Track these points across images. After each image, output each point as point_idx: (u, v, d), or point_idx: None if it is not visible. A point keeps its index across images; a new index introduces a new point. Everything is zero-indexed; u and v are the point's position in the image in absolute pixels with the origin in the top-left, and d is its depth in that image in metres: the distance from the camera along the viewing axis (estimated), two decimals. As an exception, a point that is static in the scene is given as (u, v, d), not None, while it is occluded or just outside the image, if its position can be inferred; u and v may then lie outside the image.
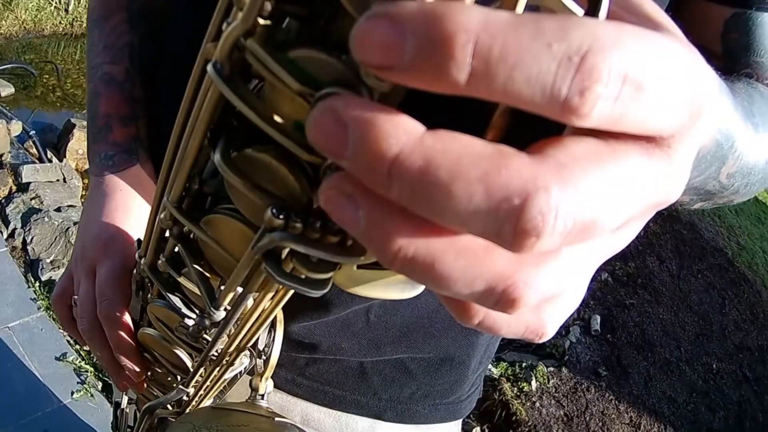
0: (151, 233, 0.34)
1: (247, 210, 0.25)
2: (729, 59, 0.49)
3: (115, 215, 0.54)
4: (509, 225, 0.15)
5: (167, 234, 0.31)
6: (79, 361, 1.87)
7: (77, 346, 1.91)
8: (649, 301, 3.25)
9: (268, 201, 0.22)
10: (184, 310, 0.36)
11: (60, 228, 2.16)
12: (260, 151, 0.22)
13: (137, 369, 0.47)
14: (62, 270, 2.09)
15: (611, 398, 2.69)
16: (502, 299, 0.17)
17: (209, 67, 0.20)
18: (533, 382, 2.49)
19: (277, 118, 0.20)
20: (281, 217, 0.21)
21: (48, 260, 2.09)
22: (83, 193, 2.55)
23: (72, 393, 1.81)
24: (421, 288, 0.28)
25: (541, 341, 0.20)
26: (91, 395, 1.82)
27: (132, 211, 0.55)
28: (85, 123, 2.68)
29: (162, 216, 0.30)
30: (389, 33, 0.14)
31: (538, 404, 2.49)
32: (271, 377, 0.60)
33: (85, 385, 1.83)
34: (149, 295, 0.40)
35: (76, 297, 0.52)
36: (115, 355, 0.47)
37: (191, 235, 0.31)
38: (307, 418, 0.64)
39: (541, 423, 2.44)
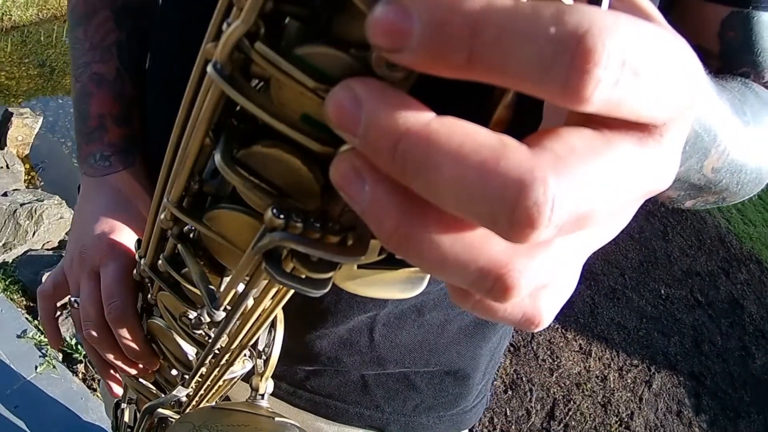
0: (151, 233, 0.33)
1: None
2: (726, 59, 0.49)
3: (115, 216, 0.53)
4: (505, 214, 0.15)
5: (168, 234, 0.31)
6: (39, 336, 1.92)
7: (36, 322, 1.97)
8: (587, 231, 3.30)
9: (268, 201, 0.22)
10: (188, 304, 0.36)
11: (8, 211, 2.20)
12: (270, 146, 0.22)
13: (146, 370, 0.47)
14: (14, 252, 2.14)
15: (557, 327, 2.72)
16: (495, 287, 0.17)
17: (209, 68, 0.20)
18: (475, 316, 2.53)
19: (284, 114, 0.20)
20: (281, 217, 0.21)
21: (0, 243, 2.14)
22: (26, 177, 2.60)
23: (36, 367, 1.85)
24: (421, 288, 0.28)
25: (537, 329, 0.20)
26: (53, 367, 1.87)
27: (132, 212, 0.54)
28: (21, 110, 2.72)
29: (162, 216, 0.30)
30: (399, 17, 0.15)
31: (482, 336, 2.53)
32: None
33: (47, 358, 1.88)
34: (149, 295, 0.40)
35: (74, 299, 0.51)
36: (128, 356, 0.46)
37: (191, 235, 0.31)
38: (309, 430, 0.64)
39: (488, 354, 2.49)
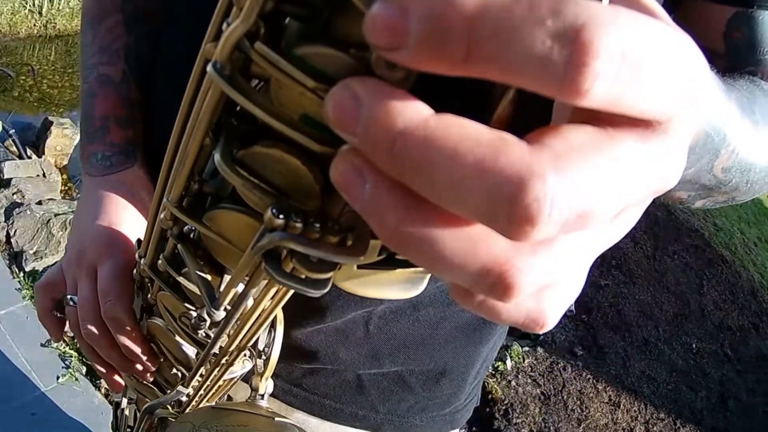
0: (151, 233, 0.34)
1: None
2: (732, 58, 0.49)
3: (114, 215, 0.53)
4: (504, 211, 0.15)
5: (168, 234, 0.31)
6: (64, 347, 1.90)
7: (61, 333, 1.95)
8: (624, 282, 3.25)
9: (268, 201, 0.22)
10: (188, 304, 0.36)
11: (41, 220, 2.20)
12: (269, 146, 0.22)
13: (146, 368, 0.47)
14: (45, 260, 2.12)
15: (588, 377, 2.70)
16: (496, 285, 0.17)
17: (209, 68, 0.20)
18: (508, 362, 2.50)
19: (284, 114, 0.20)
20: (281, 217, 0.21)
21: (31, 251, 2.13)
22: (62, 187, 2.60)
23: (57, 377, 1.84)
24: (421, 288, 0.28)
25: (542, 331, 0.20)
26: (76, 379, 1.85)
27: (131, 212, 0.54)
28: (62, 120, 2.73)
29: (162, 216, 0.30)
30: (396, 16, 0.15)
31: (513, 383, 2.50)
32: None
33: (69, 370, 1.86)
34: (149, 295, 0.40)
35: (69, 296, 0.52)
36: (126, 356, 0.46)
37: (191, 235, 0.31)
38: (304, 429, 0.64)
39: (518, 401, 2.45)
